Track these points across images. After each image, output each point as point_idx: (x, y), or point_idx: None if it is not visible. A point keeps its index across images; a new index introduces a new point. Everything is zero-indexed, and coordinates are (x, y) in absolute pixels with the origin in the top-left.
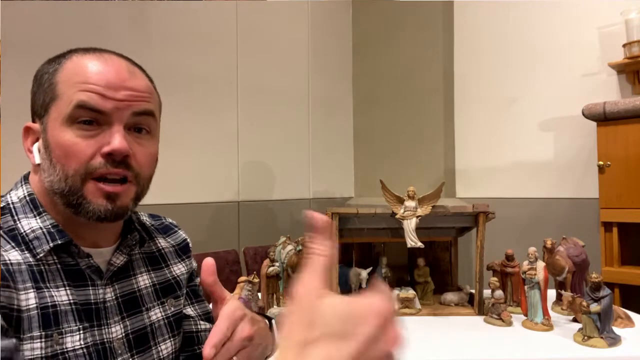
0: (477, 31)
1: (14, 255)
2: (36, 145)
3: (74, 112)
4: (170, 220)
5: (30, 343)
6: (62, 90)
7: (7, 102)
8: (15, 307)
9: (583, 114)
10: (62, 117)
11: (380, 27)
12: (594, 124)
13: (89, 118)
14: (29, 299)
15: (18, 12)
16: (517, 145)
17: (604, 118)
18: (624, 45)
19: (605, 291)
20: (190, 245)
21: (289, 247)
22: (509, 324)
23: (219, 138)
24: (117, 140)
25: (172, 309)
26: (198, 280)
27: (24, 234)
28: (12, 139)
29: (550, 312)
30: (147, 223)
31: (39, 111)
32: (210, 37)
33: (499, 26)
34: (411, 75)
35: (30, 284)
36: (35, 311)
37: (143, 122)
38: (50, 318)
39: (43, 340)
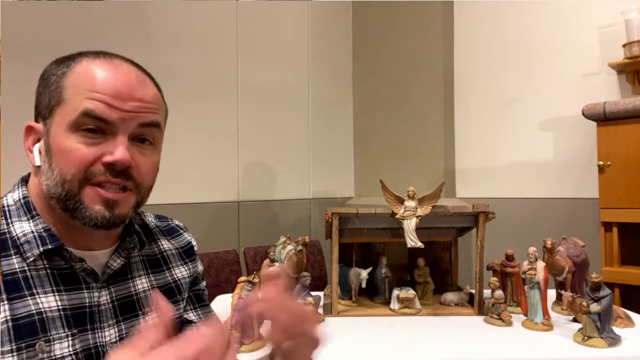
0: (477, 31)
1: None
2: (37, 146)
3: (79, 119)
4: (177, 222)
5: (2, 358)
6: (69, 95)
7: (7, 102)
8: None
9: (583, 114)
10: (66, 122)
11: (380, 27)
12: (594, 124)
13: (94, 126)
14: None
15: (18, 12)
16: (517, 145)
17: (604, 118)
18: (624, 45)
19: (605, 291)
20: (195, 248)
21: (289, 247)
22: (509, 324)
23: (219, 138)
24: (120, 151)
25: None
26: (203, 284)
27: (15, 237)
28: (12, 138)
29: (550, 312)
30: (152, 224)
31: (43, 112)
32: (210, 37)
33: (499, 26)
34: (411, 75)
35: None
36: (5, 325)
37: (148, 133)
38: (34, 327)
39: (15, 354)
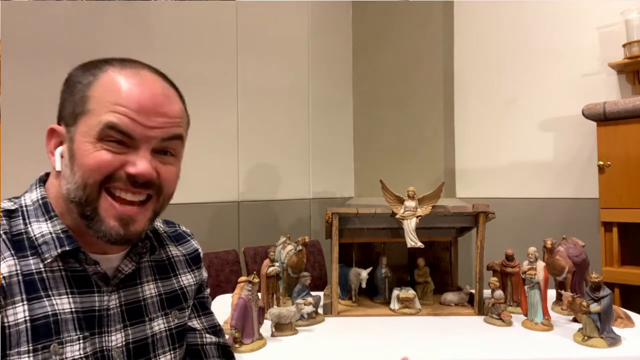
0: (477, 31)
1: (7, 266)
2: (59, 150)
3: (103, 131)
4: (184, 229)
5: (18, 358)
6: (94, 106)
7: (7, 102)
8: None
9: (583, 114)
10: (90, 133)
11: (380, 27)
12: (594, 124)
13: (117, 139)
14: (16, 313)
15: (18, 12)
16: (517, 145)
17: (604, 118)
18: (624, 45)
19: (605, 291)
20: (201, 255)
21: (289, 247)
22: (509, 324)
23: (219, 138)
24: (142, 164)
25: (176, 320)
26: (207, 291)
27: (33, 238)
28: (12, 138)
29: (550, 312)
30: (160, 230)
31: (66, 119)
32: (210, 37)
33: (499, 26)
34: (411, 76)
35: (19, 297)
36: (24, 325)
37: (170, 147)
38: (49, 328)
39: (32, 354)
